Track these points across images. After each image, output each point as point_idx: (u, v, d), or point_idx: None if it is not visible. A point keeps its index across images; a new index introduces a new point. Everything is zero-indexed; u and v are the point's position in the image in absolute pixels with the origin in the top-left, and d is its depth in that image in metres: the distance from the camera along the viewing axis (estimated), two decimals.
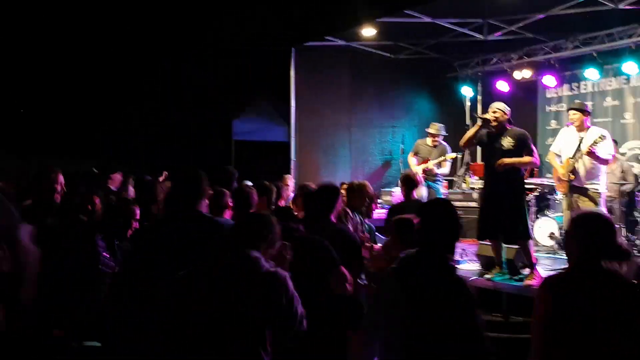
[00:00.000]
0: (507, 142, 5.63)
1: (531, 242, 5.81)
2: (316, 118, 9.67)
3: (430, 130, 8.51)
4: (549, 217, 7.79)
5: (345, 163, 9.92)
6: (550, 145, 6.93)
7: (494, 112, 5.70)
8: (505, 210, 5.53)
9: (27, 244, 2.54)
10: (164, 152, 9.89)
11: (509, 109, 5.84)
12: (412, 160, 8.56)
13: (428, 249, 2.52)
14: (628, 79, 9.17)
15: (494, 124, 5.67)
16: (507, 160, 5.51)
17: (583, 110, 6.21)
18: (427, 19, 8.48)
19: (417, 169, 8.18)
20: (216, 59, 10.36)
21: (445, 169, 8.39)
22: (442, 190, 8.53)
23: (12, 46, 10.09)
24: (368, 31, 8.95)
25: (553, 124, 10.38)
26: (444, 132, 8.53)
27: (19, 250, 2.37)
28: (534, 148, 5.77)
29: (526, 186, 8.90)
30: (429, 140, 8.51)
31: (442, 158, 8.26)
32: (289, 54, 9.45)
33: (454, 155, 8.46)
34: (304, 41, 9.38)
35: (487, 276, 5.79)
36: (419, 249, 2.54)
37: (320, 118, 9.72)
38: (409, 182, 5.79)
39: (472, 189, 9.01)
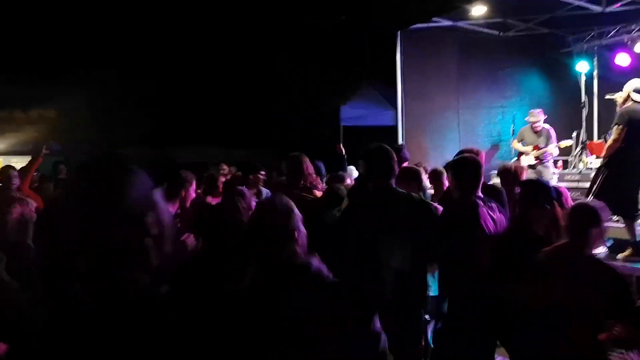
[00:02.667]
0: None
1: None
2: (423, 101, 9.66)
3: (531, 118, 8.33)
4: None
5: (454, 146, 9.83)
6: None
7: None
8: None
9: (163, 205, 2.86)
10: (275, 140, 10.33)
11: None
12: (518, 145, 8.42)
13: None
14: None
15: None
16: None
17: None
18: None
19: (528, 150, 8.15)
20: (322, 46, 10.59)
21: (556, 150, 8.21)
22: (552, 169, 8.31)
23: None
24: (478, 9, 8.80)
25: None
26: (543, 116, 8.30)
27: (159, 213, 2.65)
28: None
29: None
30: (530, 128, 8.35)
31: (559, 144, 8.14)
32: (394, 37, 9.49)
33: (569, 142, 8.24)
34: (410, 24, 9.36)
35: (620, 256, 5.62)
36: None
37: (428, 101, 9.70)
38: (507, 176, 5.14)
39: (589, 169, 8.64)
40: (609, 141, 5.95)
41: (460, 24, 9.68)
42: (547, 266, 2.87)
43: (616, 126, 5.80)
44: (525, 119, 8.52)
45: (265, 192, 5.89)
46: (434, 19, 9.38)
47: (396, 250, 3.16)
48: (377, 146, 3.39)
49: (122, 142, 10.21)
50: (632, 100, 5.87)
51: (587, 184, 8.21)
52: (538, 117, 8.27)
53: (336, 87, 10.45)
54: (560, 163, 9.14)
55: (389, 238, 3.17)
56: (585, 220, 2.85)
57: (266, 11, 10.40)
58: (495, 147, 10.19)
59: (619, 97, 6.12)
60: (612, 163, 5.84)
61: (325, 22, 10.04)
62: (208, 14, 10.45)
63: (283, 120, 10.73)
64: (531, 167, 7.98)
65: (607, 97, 6.65)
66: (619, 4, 8.67)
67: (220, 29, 10.51)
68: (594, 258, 2.84)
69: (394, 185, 3.36)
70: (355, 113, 10.06)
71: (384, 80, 9.84)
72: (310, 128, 10.18)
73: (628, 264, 5.36)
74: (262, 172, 6.55)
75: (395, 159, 3.37)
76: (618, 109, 6.01)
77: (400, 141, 9.42)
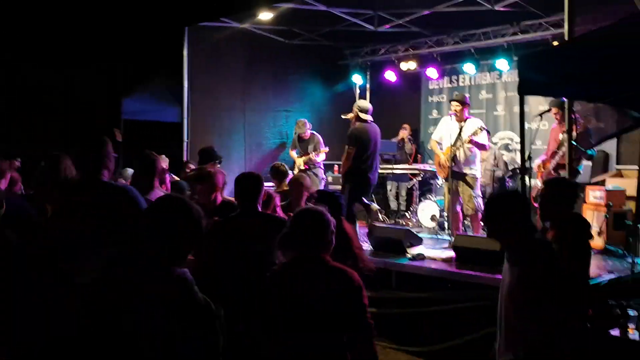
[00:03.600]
0: None
1: None
2: (210, 100, 9.60)
3: (297, 129, 9.06)
4: (431, 200, 8.41)
5: (240, 146, 9.98)
6: (432, 133, 7.54)
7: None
8: None
9: None
10: (44, 129, 9.36)
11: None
12: (293, 154, 9.02)
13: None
14: (500, 75, 10.06)
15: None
16: None
17: (463, 102, 6.80)
18: (321, 7, 8.73)
19: (299, 161, 8.89)
20: (104, 34, 9.90)
21: (322, 156, 8.91)
22: (322, 175, 9.03)
23: None
24: (265, 15, 9.05)
25: (434, 113, 11.13)
26: (309, 125, 9.03)
27: None
28: None
29: (410, 171, 9.58)
30: (302, 135, 8.99)
31: (319, 150, 8.82)
32: (182, 33, 9.28)
33: (326, 149, 8.96)
34: (197, 21, 9.24)
35: None
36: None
37: (215, 100, 9.67)
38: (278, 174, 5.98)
39: None
40: (343, 159, 6.71)
41: (249, 27, 9.85)
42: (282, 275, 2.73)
43: (347, 146, 6.58)
44: (295, 129, 9.11)
45: None
46: (223, 19, 9.40)
47: None
48: None
49: None
50: (360, 119, 6.75)
51: None
52: (303, 128, 8.94)
53: (118, 79, 9.85)
54: (335, 167, 9.82)
55: None
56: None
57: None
58: (280, 148, 10.57)
59: (350, 116, 7.00)
60: (349, 179, 6.65)
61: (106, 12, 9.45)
62: None
63: (57, 113, 9.75)
64: (302, 171, 8.46)
65: (343, 117, 7.59)
66: (388, 25, 9.65)
67: None
68: (331, 263, 2.69)
69: None
70: (138, 107, 9.59)
71: (171, 76, 9.54)
72: (88, 120, 9.42)
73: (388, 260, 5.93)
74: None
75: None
76: (351, 127, 6.84)
77: (185, 139, 9.25)
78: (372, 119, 6.83)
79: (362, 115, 6.76)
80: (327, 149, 8.88)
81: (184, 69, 9.30)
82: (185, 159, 8.74)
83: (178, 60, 9.27)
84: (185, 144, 9.28)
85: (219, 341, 1.95)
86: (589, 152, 6.59)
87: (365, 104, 7.11)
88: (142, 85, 9.76)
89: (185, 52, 9.28)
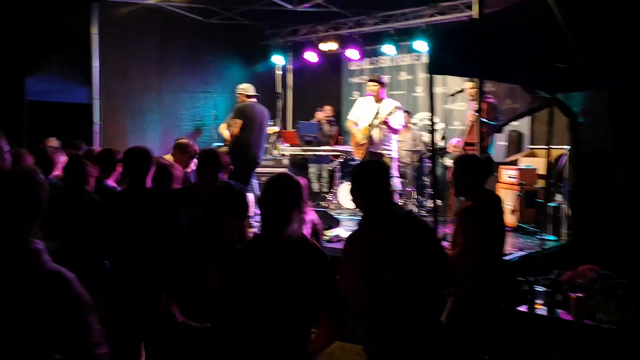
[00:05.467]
0: None
1: None
2: (123, 80, 9.12)
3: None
4: None
5: (155, 128, 9.58)
6: None
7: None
8: None
9: None
10: None
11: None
12: (225, 132, 8.57)
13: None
14: (419, 56, 10.14)
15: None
16: None
17: (379, 82, 6.79)
18: None
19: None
20: (3, 8, 9.18)
21: None
22: None
23: None
24: None
25: (355, 94, 11.12)
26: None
27: None
28: None
29: (332, 153, 9.55)
30: None
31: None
32: (89, 8, 8.73)
33: (276, 129, 8.86)
34: None
35: None
36: None
37: (128, 80, 9.19)
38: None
39: (283, 155, 9.34)
40: (230, 131, 7.36)
41: (162, 4, 9.41)
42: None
43: (234, 120, 7.23)
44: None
45: None
46: None
47: None
48: None
49: None
50: (246, 96, 7.46)
51: (281, 169, 8.93)
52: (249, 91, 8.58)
53: (19, 57, 9.16)
54: None
55: None
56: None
57: None
58: (197, 131, 10.24)
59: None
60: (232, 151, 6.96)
61: None
62: None
63: None
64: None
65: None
66: (308, 4, 9.48)
67: None
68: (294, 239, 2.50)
69: None
70: (44, 87, 8.97)
71: (78, 54, 8.97)
72: None
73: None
74: None
75: None
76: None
77: (96, 120, 8.75)
78: (256, 100, 7.49)
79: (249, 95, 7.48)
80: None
81: (93, 48, 8.76)
82: (96, 141, 8.30)
83: (86, 37, 8.72)
84: (97, 125, 8.79)
85: (75, 308, 1.87)
86: (492, 123, 6.72)
87: (248, 86, 7.68)
88: (47, 63, 9.14)
89: (94, 30, 8.74)
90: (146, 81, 9.48)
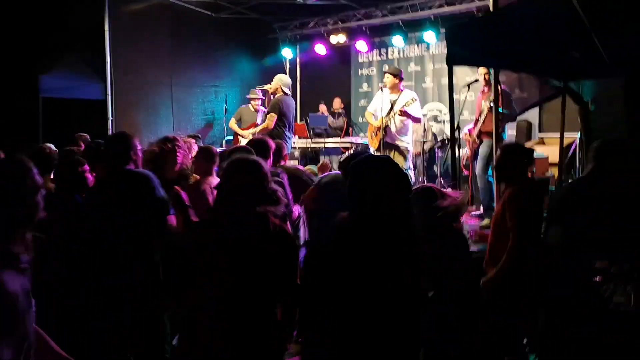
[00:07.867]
0: None
1: None
2: (135, 75, 9.21)
3: (252, 96, 8.72)
4: None
5: (168, 123, 9.68)
6: (363, 106, 7.65)
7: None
8: None
9: None
10: None
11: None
12: (235, 126, 8.63)
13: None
14: (428, 47, 10.21)
15: None
16: None
17: (397, 75, 6.89)
18: None
19: (245, 133, 8.34)
20: (17, 6, 9.28)
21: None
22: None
23: None
24: None
25: (365, 86, 11.20)
26: (262, 97, 8.79)
27: None
28: None
29: (342, 145, 9.63)
30: (251, 106, 8.70)
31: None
32: (102, 5, 8.81)
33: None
34: None
35: None
36: None
37: (140, 75, 9.29)
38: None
39: (294, 147, 9.43)
40: (263, 125, 7.53)
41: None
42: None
43: (270, 114, 7.32)
44: (247, 96, 8.82)
45: None
46: None
47: None
48: None
49: None
50: (282, 92, 7.47)
51: (291, 162, 9.03)
52: (258, 96, 8.67)
53: (34, 55, 9.26)
54: None
55: None
56: None
57: None
58: (209, 125, 10.34)
59: (269, 87, 7.85)
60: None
61: None
62: None
63: None
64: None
65: (258, 88, 8.53)
66: None
67: None
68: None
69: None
70: (58, 84, 9.07)
71: (91, 50, 9.06)
72: (3, 100, 8.85)
73: None
74: None
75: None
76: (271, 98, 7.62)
77: (110, 116, 8.86)
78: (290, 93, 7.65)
79: (285, 90, 7.51)
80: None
81: (106, 44, 8.85)
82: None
83: (99, 34, 8.81)
84: (110, 122, 8.90)
85: None
86: (505, 111, 6.75)
87: (287, 79, 7.84)
88: (61, 61, 9.24)
89: (106, 26, 8.83)
90: (158, 76, 9.58)
